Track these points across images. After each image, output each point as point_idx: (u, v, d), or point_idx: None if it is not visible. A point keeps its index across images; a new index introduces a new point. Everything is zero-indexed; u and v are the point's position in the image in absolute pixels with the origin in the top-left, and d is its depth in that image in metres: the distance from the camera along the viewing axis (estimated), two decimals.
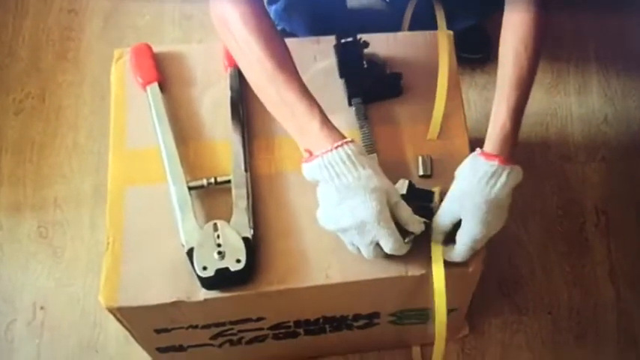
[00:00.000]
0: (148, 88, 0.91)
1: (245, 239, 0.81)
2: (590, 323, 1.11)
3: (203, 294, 0.81)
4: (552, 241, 1.17)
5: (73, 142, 1.29)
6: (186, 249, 0.81)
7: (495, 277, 1.13)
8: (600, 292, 1.13)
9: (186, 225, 0.82)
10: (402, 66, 0.93)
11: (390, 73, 0.93)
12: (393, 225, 0.77)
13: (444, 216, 0.81)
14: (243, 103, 0.91)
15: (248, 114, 0.91)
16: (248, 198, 0.85)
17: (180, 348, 0.97)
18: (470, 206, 0.79)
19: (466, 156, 0.84)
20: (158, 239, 0.85)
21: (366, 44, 0.93)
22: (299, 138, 0.79)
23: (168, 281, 0.82)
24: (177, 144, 0.88)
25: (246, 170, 0.86)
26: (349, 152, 0.77)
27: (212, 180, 0.86)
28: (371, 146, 0.89)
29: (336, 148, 0.77)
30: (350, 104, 0.92)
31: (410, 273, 0.83)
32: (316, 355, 1.10)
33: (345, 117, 0.91)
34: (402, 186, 0.83)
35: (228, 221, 0.82)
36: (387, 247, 0.77)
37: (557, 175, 1.23)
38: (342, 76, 0.93)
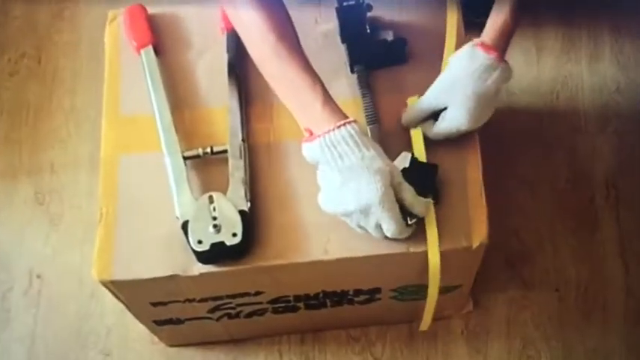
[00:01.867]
0: (142, 51, 0.87)
1: (241, 212, 0.78)
2: (597, 301, 1.09)
3: (198, 268, 0.79)
4: (560, 214, 1.14)
5: (70, 104, 1.26)
6: (181, 222, 0.78)
7: (501, 251, 1.10)
8: (609, 269, 1.10)
9: (181, 197, 0.79)
10: (408, 31, 0.89)
11: (394, 38, 0.88)
12: (397, 208, 0.74)
13: (428, 101, 0.81)
14: (241, 68, 0.87)
15: (246, 80, 0.87)
16: (245, 169, 0.81)
17: (178, 321, 0.95)
18: (460, 96, 0.79)
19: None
20: (152, 211, 0.82)
21: (369, 7, 0.89)
22: (300, 116, 0.76)
23: (162, 254, 0.80)
24: (172, 111, 0.84)
25: (243, 140, 0.83)
26: (352, 132, 0.73)
27: (208, 149, 0.82)
28: (373, 116, 0.85)
29: (339, 127, 0.73)
30: (352, 71, 0.88)
31: (412, 249, 0.80)
32: (317, 329, 1.08)
33: (346, 84, 0.87)
34: (405, 159, 0.79)
35: (225, 193, 0.79)
36: (389, 231, 0.74)
37: (567, 146, 1.19)
38: (343, 41, 0.89)
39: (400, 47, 0.88)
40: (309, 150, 0.75)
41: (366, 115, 0.85)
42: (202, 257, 0.77)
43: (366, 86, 0.87)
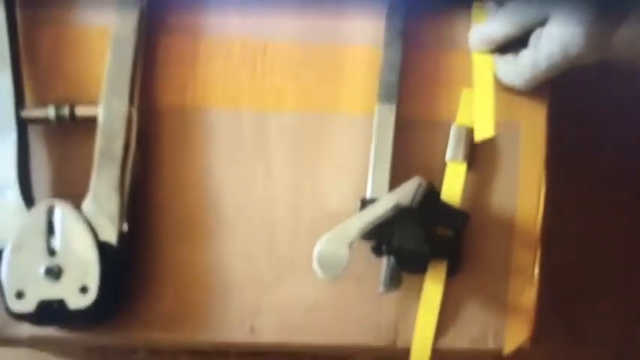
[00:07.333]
0: None
1: (103, 246, 0.43)
2: None
3: (26, 330, 0.44)
4: None
5: None
6: None
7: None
8: None
9: (2, 200, 0.43)
10: None
11: None
12: None
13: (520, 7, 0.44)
14: None
15: None
16: (125, 159, 0.44)
17: None
18: None
19: None
20: None
21: None
22: None
23: None
24: (22, 25, 0.45)
25: (131, 100, 0.45)
26: None
27: (66, 110, 0.44)
28: (391, 86, 0.46)
29: None
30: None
31: (400, 343, 0.46)
32: None
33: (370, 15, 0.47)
34: (414, 189, 0.44)
35: (80, 203, 0.44)
36: None
37: None
38: None
39: None
40: None
41: (381, 83, 0.46)
42: (24, 318, 0.43)
43: (397, 34, 0.47)
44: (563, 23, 0.42)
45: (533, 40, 0.44)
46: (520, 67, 0.45)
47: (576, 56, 0.42)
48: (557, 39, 0.42)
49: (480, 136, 0.46)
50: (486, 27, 0.46)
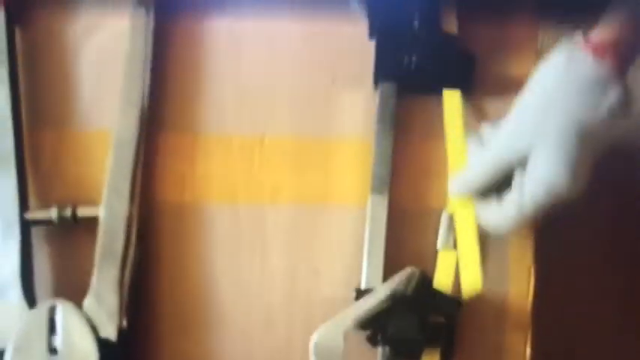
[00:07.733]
0: None
1: (104, 343, 0.43)
2: None
3: None
4: None
5: None
6: None
7: None
8: None
9: (3, 300, 0.44)
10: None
11: (460, 50, 0.49)
12: None
13: (500, 146, 0.46)
14: (158, 61, 0.48)
15: (158, 84, 0.49)
16: (126, 257, 0.45)
17: None
18: (555, 129, 0.43)
19: None
20: None
21: None
22: None
23: None
24: (26, 129, 0.47)
25: (132, 200, 0.47)
26: None
27: (68, 212, 0.46)
28: (383, 177, 0.48)
29: None
30: (376, 86, 0.49)
31: None
32: None
33: (360, 108, 0.49)
34: (406, 280, 0.45)
35: (81, 302, 0.44)
36: None
37: None
38: (372, 35, 0.50)
39: (466, 66, 0.49)
40: None
41: (373, 175, 0.48)
42: None
43: (388, 119, 0.49)
44: (544, 161, 0.43)
45: (516, 183, 0.45)
46: (505, 212, 0.45)
47: (562, 192, 0.43)
48: (540, 179, 0.43)
49: (468, 293, 0.46)
50: (465, 176, 0.47)
